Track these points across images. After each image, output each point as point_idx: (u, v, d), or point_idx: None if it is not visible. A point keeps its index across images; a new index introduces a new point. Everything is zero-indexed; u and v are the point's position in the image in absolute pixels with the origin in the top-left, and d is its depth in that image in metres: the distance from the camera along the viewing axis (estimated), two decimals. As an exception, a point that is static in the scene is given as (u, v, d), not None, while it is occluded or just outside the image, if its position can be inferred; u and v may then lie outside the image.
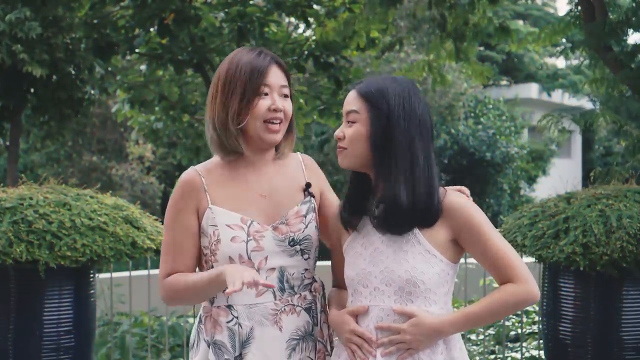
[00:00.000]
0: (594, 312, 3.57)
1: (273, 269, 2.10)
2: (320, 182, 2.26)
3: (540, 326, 3.98)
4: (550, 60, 29.19)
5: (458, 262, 2.07)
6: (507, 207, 20.53)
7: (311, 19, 7.91)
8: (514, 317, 5.71)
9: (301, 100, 8.58)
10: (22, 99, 7.10)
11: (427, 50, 8.44)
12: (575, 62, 23.61)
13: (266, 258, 2.08)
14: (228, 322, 2.08)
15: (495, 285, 2.09)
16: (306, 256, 2.15)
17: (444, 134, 19.84)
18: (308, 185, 2.21)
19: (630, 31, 5.46)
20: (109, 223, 3.62)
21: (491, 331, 5.50)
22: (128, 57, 8.52)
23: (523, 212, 3.87)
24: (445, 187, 2.05)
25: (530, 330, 5.54)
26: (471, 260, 2.39)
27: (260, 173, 2.16)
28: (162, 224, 2.17)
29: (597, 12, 5.41)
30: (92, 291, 3.80)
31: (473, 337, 5.54)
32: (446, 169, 19.79)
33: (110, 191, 4.24)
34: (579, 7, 5.76)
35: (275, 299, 2.10)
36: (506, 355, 4.93)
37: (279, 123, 2.11)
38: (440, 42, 7.67)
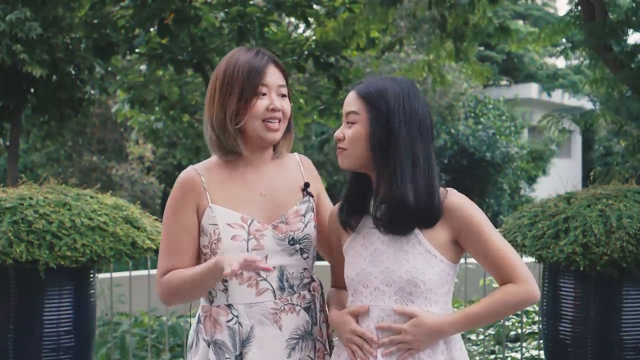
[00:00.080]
0: (594, 312, 3.57)
1: (273, 267, 2.10)
2: (317, 185, 2.26)
3: (540, 326, 3.98)
4: (550, 60, 29.19)
5: (458, 263, 2.07)
6: (507, 207, 20.53)
7: (311, 19, 7.91)
8: (514, 317, 5.71)
9: (301, 100, 8.58)
10: (22, 99, 7.10)
11: (427, 50, 8.44)
12: (575, 62, 23.61)
13: (266, 257, 2.08)
14: (228, 321, 2.08)
15: (495, 285, 2.09)
16: (305, 255, 2.15)
17: (444, 134, 19.84)
18: (307, 185, 2.22)
19: (630, 31, 5.46)
20: (109, 223, 3.62)
21: (491, 331, 5.50)
22: (128, 57, 8.52)
23: (523, 212, 3.87)
24: (447, 188, 2.05)
25: (530, 330, 5.54)
26: (471, 260, 2.39)
27: (259, 172, 2.16)
28: (162, 223, 2.17)
29: (597, 12, 5.41)
30: (92, 291, 3.80)
31: (473, 337, 5.54)
32: (446, 169, 19.79)
33: (110, 191, 4.24)
34: (579, 7, 5.76)
35: (275, 298, 2.10)
36: (506, 355, 4.93)
37: (278, 122, 2.11)
38: (440, 42, 7.67)
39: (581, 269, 3.40)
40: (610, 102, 5.82)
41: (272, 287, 2.10)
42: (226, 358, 2.06)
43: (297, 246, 2.13)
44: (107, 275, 5.20)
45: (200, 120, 8.84)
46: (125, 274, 5.08)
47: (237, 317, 2.08)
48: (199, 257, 2.13)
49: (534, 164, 22.56)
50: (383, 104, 2.00)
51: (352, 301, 2.09)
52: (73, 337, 3.65)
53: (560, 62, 30.73)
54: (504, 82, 27.44)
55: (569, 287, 3.64)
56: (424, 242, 2.00)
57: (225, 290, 2.09)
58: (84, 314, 3.73)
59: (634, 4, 5.45)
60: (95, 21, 7.37)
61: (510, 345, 5.35)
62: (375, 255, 2.04)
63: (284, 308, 2.11)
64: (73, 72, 7.07)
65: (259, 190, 2.14)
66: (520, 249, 3.62)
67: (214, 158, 2.17)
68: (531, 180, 22.73)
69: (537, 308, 5.12)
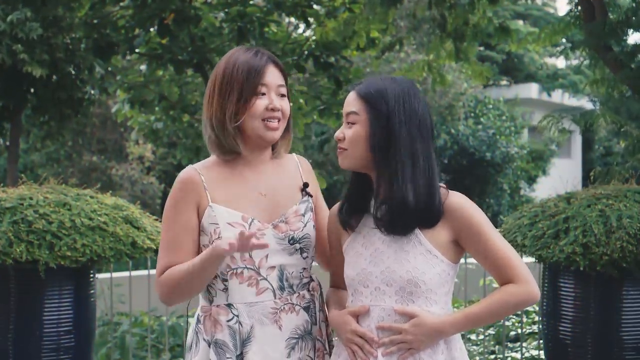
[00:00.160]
0: (594, 312, 3.57)
1: (273, 267, 2.10)
2: (314, 187, 2.27)
3: (540, 326, 3.98)
4: (550, 60, 29.19)
5: (458, 263, 2.07)
6: (507, 207, 20.53)
7: (311, 19, 7.91)
8: (514, 317, 5.71)
9: (301, 100, 8.58)
10: (22, 99, 7.09)
11: (427, 50, 8.44)
12: (575, 62, 23.60)
13: (267, 256, 2.09)
14: (228, 320, 2.08)
15: (495, 285, 2.09)
16: (305, 255, 2.15)
17: (444, 134, 19.84)
18: (306, 185, 2.22)
19: (630, 31, 5.46)
20: (109, 223, 3.62)
21: (491, 331, 5.50)
22: (128, 57, 8.52)
23: (523, 212, 3.87)
24: (448, 189, 2.05)
25: (530, 330, 5.54)
26: (471, 260, 2.39)
27: (258, 172, 2.16)
28: (161, 223, 2.16)
29: (597, 12, 5.41)
30: (92, 291, 3.80)
31: (473, 337, 5.54)
32: (446, 169, 19.79)
33: (110, 191, 4.24)
34: (579, 7, 5.76)
35: (275, 298, 2.10)
36: (506, 355, 4.93)
37: (278, 121, 2.11)
38: (440, 42, 7.67)
39: (581, 269, 3.40)
40: (610, 102, 5.82)
41: (272, 286, 2.10)
42: (227, 358, 2.06)
43: (297, 245, 2.13)
44: (107, 275, 5.20)
45: (200, 120, 8.82)
46: (125, 274, 5.08)
47: (237, 316, 2.08)
48: (198, 256, 2.13)
49: (534, 164, 22.56)
50: (383, 104, 2.00)
51: (352, 301, 2.09)
52: (73, 337, 3.65)
53: (560, 62, 30.75)
54: (504, 82, 27.44)
55: (569, 287, 3.64)
56: (425, 242, 2.00)
57: (225, 289, 2.09)
58: (84, 314, 3.73)
59: (634, 4, 5.45)
60: (95, 21, 7.37)
61: (510, 345, 5.35)
62: (375, 255, 2.04)
63: (284, 307, 2.11)
64: (73, 72, 7.07)
65: (259, 190, 2.14)
66: (520, 249, 3.62)
67: (212, 158, 2.17)
68: (531, 180, 22.73)
69: (537, 308, 5.13)
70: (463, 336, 4.87)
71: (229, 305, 2.09)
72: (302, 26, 9.92)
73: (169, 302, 2.12)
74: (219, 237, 2.06)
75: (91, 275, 3.78)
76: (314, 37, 8.29)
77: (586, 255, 3.38)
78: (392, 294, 2.01)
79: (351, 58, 8.67)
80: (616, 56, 5.42)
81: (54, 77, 6.96)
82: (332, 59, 7.88)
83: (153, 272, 4.81)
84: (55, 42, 6.66)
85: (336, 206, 2.16)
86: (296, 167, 2.26)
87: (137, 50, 7.72)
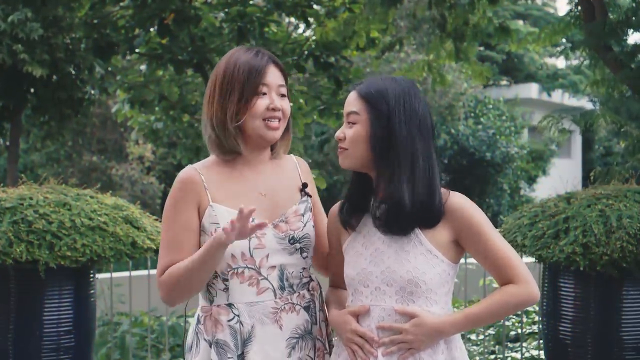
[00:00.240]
0: (594, 312, 3.57)
1: (274, 266, 2.10)
2: (312, 188, 2.27)
3: (540, 326, 3.98)
4: (550, 60, 29.19)
5: (458, 263, 2.07)
6: (507, 207, 20.54)
7: (311, 19, 7.90)
8: (514, 317, 5.71)
9: (301, 100, 8.58)
10: (22, 99, 7.10)
11: (427, 50, 8.44)
12: (575, 62, 23.60)
13: (267, 256, 2.09)
14: (229, 320, 2.08)
15: (495, 285, 2.09)
16: (305, 254, 2.16)
17: (444, 134, 19.84)
18: (305, 185, 2.23)
19: (630, 31, 5.46)
20: (109, 223, 3.62)
21: (491, 331, 5.51)
22: (128, 57, 8.52)
23: (523, 212, 3.87)
24: (449, 189, 2.05)
25: (530, 330, 5.54)
26: (471, 260, 2.40)
27: (258, 172, 2.16)
28: (161, 223, 2.16)
29: (597, 12, 5.41)
30: (92, 291, 3.80)
31: (473, 337, 5.54)
32: (446, 169, 19.80)
33: (110, 191, 4.24)
34: (579, 7, 5.76)
35: (276, 297, 2.11)
36: (506, 355, 4.93)
37: (278, 121, 2.12)
38: (440, 42, 7.67)
39: (581, 269, 3.40)
40: (610, 102, 5.83)
41: (272, 286, 2.10)
42: (228, 358, 2.06)
43: (297, 245, 2.13)
44: (107, 275, 5.20)
45: (200, 120, 8.81)
46: (125, 274, 5.08)
47: (238, 316, 2.08)
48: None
49: (534, 164, 22.56)
50: (383, 104, 2.00)
51: (352, 301, 2.09)
52: (73, 337, 3.65)
53: (560, 62, 30.76)
54: (504, 82, 27.44)
55: (569, 287, 3.64)
56: (425, 242, 2.00)
57: (226, 289, 2.09)
58: (84, 314, 3.73)
59: (634, 4, 5.45)
60: (95, 21, 7.37)
61: (510, 345, 5.35)
62: (375, 255, 2.04)
63: (284, 307, 2.11)
64: (73, 72, 7.07)
65: (259, 190, 2.15)
66: (520, 249, 3.62)
67: (212, 157, 2.18)
68: (531, 180, 22.74)
69: (537, 308, 5.13)
70: (463, 336, 4.87)
71: (230, 305, 2.09)
72: (302, 26, 9.92)
73: (170, 301, 2.11)
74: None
75: (91, 275, 3.78)
76: (314, 37, 8.29)
77: (586, 255, 3.38)
78: (393, 294, 2.01)
79: (351, 58, 8.67)
80: (616, 56, 5.43)
81: (54, 77, 6.96)
82: (332, 59, 7.87)
83: (153, 272, 4.82)
84: (56, 42, 6.66)
85: (336, 206, 2.17)
86: (295, 168, 2.26)
87: (137, 50, 7.71)
